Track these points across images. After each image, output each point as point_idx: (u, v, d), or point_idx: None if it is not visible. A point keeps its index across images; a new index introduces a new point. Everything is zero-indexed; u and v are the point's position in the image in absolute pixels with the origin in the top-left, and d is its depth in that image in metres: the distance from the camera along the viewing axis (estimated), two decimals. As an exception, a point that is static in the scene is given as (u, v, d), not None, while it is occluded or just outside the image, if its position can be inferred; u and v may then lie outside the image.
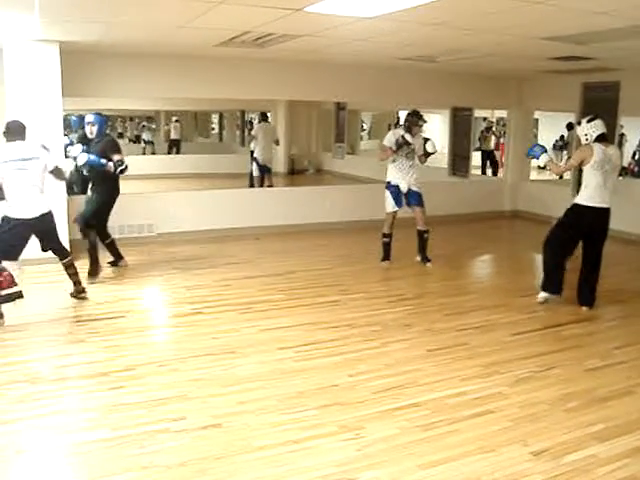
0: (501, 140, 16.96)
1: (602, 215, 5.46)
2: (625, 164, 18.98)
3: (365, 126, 23.89)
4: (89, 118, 6.42)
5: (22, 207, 5.10)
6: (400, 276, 6.71)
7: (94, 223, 6.45)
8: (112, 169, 6.16)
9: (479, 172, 15.60)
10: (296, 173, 17.26)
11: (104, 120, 6.50)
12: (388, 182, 6.99)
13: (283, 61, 8.18)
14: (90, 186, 6.76)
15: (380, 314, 5.42)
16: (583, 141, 5.50)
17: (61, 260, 5.57)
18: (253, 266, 7.08)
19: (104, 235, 6.66)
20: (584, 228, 5.51)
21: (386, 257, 7.08)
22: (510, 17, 4.79)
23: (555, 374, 4.24)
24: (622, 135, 17.07)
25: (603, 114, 5.83)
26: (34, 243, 5.26)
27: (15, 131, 5.15)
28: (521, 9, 4.45)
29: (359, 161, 16.92)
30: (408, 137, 6.71)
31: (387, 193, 6.98)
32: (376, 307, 5.61)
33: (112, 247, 6.78)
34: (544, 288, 5.78)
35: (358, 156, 18.10)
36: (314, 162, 17.88)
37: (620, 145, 16.39)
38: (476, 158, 14.55)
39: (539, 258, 5.99)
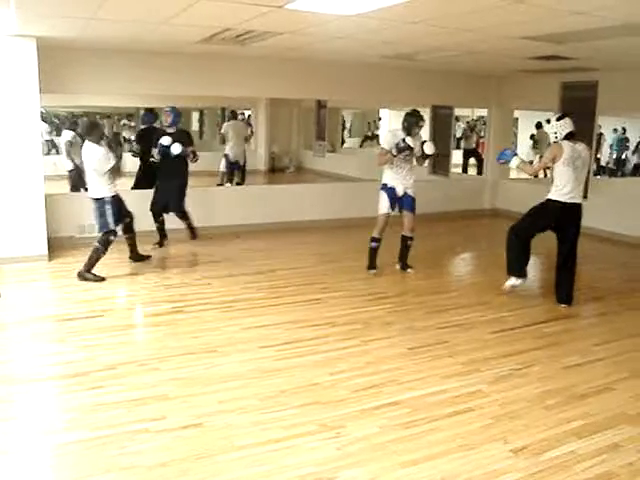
0: (481, 140, 17.06)
1: (574, 210, 5.56)
2: (603, 163, 19.25)
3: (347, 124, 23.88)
4: (166, 108, 7.54)
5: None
6: (381, 274, 6.71)
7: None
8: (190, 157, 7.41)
9: (458, 170, 15.67)
10: (277, 171, 17.24)
11: (179, 113, 7.57)
12: (384, 184, 6.61)
13: (264, 59, 8.15)
14: (161, 175, 7.55)
15: (361, 312, 5.43)
16: (552, 139, 5.60)
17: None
18: (234, 264, 7.05)
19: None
20: (554, 222, 5.61)
21: (372, 265, 6.72)
22: (491, 16, 4.82)
23: (535, 371, 4.28)
24: (600, 134, 17.26)
25: (581, 113, 5.92)
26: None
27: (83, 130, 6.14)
28: (502, 9, 4.47)
29: (340, 159, 16.94)
30: (409, 140, 6.30)
31: (382, 194, 6.59)
32: (357, 305, 5.62)
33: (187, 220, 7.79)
34: (511, 272, 5.86)
35: (339, 154, 18.11)
36: (295, 160, 17.86)
37: (598, 144, 16.60)
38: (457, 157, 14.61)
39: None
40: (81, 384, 3.89)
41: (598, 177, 15.95)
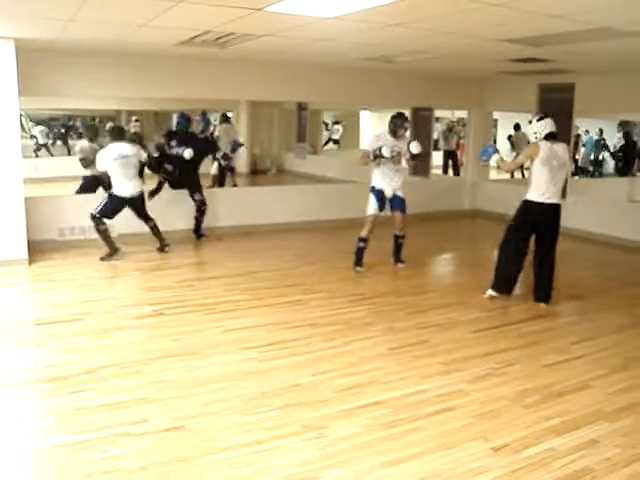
0: (461, 141, 17.15)
1: (551, 211, 5.60)
2: (581, 164, 19.45)
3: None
4: (196, 117, 8.18)
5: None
6: (362, 275, 6.74)
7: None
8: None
9: (439, 171, 15.76)
10: (258, 173, 17.22)
11: (208, 121, 8.23)
12: (373, 186, 6.77)
13: (245, 61, 8.16)
14: (183, 175, 8.13)
15: (342, 313, 5.45)
16: (532, 139, 5.65)
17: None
18: (216, 266, 7.05)
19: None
20: (534, 224, 5.65)
21: (359, 262, 6.82)
22: (469, 19, 4.86)
23: (514, 370, 4.32)
24: (578, 136, 17.45)
25: (559, 115, 5.98)
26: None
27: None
28: (479, 11, 4.51)
29: (321, 161, 16.96)
30: (384, 151, 6.43)
31: (371, 196, 6.75)
32: (338, 306, 5.64)
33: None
34: (494, 287, 5.89)
35: (320, 156, 18.14)
36: (276, 162, 17.85)
37: (576, 145, 16.78)
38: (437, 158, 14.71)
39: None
40: (61, 388, 3.87)
41: (576, 178, 16.12)
